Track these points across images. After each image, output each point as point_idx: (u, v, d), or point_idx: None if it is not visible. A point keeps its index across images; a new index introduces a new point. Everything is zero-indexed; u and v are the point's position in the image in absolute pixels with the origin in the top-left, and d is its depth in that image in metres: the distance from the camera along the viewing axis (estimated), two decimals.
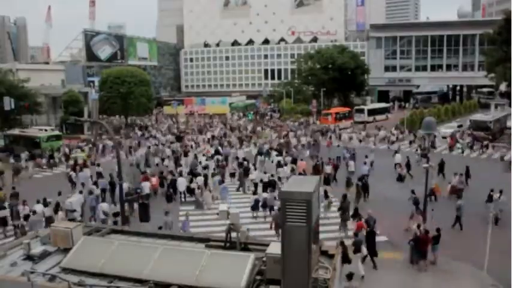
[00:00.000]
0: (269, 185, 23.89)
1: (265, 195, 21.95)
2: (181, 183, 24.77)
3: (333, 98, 73.44)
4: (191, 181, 25.31)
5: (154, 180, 25.94)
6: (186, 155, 34.27)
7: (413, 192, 20.38)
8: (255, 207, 21.47)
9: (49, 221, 18.21)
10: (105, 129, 45.51)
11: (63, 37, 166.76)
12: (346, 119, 57.96)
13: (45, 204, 20.36)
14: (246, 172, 27.64)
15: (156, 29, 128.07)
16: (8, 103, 42.62)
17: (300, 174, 25.79)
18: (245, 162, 29.62)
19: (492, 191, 20.45)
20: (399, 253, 16.71)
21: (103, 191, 24.75)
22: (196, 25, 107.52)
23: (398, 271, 15.47)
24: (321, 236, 7.28)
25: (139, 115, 66.18)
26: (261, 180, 25.25)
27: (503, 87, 65.12)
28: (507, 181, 22.10)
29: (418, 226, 16.16)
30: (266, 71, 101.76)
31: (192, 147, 39.50)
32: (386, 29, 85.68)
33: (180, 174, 26.30)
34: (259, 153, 33.71)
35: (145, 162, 32.80)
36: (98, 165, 30.49)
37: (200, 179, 25.27)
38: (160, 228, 16.31)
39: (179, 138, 43.31)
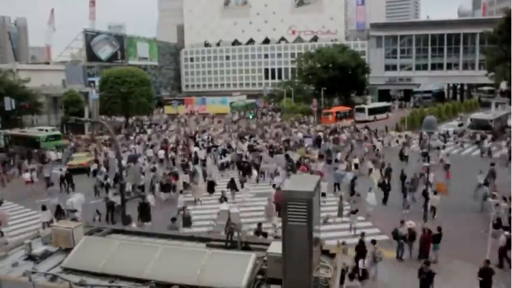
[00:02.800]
0: (225, 152, 34.70)
1: (225, 158, 32.49)
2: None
3: (334, 97, 73.51)
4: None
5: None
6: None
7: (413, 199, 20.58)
8: (221, 168, 31.09)
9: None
10: (105, 129, 45.73)
11: (64, 37, 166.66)
12: (346, 118, 58.05)
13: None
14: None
15: (157, 29, 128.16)
16: (9, 103, 42.68)
17: None
18: None
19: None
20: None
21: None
22: (196, 25, 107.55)
23: (399, 270, 15.49)
24: (322, 235, 7.31)
25: (139, 115, 66.14)
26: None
27: (503, 85, 65.05)
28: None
29: (424, 229, 16.14)
30: (266, 70, 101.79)
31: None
32: (387, 28, 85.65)
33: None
34: None
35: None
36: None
37: (202, 153, 34.50)
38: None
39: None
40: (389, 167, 27.60)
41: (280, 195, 18.73)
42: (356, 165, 29.43)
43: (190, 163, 31.43)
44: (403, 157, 33.23)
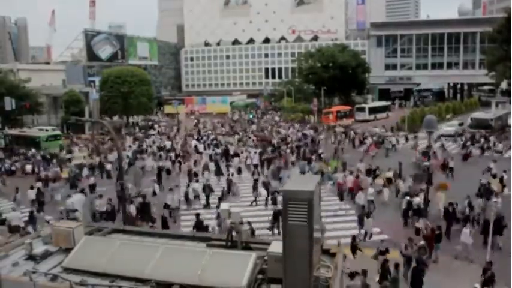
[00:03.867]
0: (217, 146, 39.60)
1: (217, 150, 36.34)
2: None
3: (334, 96, 73.42)
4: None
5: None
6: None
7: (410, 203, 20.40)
8: (216, 160, 32.99)
9: None
10: (106, 129, 45.80)
11: (64, 37, 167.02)
12: (347, 118, 57.99)
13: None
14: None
15: (157, 29, 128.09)
16: (9, 103, 42.71)
17: None
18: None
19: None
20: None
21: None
22: (196, 24, 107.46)
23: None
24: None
25: (140, 115, 66.11)
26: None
27: (504, 85, 65.06)
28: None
29: (426, 228, 16.11)
30: (267, 70, 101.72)
31: None
32: (387, 28, 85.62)
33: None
34: None
35: None
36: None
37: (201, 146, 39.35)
38: None
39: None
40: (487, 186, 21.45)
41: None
42: (390, 180, 24.19)
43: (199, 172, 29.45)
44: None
